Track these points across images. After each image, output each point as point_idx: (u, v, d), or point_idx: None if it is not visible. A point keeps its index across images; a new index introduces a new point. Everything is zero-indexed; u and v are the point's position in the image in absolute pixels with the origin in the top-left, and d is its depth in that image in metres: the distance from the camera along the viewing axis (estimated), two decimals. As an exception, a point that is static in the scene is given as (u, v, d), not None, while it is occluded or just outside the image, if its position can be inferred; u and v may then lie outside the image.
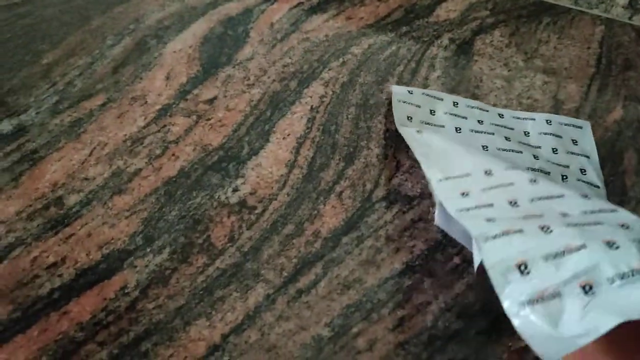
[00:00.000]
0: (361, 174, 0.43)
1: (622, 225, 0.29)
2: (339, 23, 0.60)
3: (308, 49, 0.56)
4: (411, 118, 0.46)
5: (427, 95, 0.49)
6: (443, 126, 0.45)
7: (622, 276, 0.25)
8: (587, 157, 0.44)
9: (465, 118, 0.47)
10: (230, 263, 0.37)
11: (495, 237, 0.29)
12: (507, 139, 0.44)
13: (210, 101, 0.49)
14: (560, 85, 0.53)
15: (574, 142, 0.46)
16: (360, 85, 0.52)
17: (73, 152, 0.44)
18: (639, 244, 0.26)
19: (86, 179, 0.42)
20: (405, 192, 0.42)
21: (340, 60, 0.55)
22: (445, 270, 0.37)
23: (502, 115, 0.48)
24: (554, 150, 0.44)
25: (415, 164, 0.44)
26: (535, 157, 0.43)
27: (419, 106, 0.48)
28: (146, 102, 0.48)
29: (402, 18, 0.62)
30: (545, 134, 0.46)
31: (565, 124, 0.48)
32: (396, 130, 0.46)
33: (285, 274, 0.36)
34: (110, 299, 0.34)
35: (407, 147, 0.45)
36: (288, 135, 0.46)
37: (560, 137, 0.46)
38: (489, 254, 0.29)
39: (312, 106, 0.49)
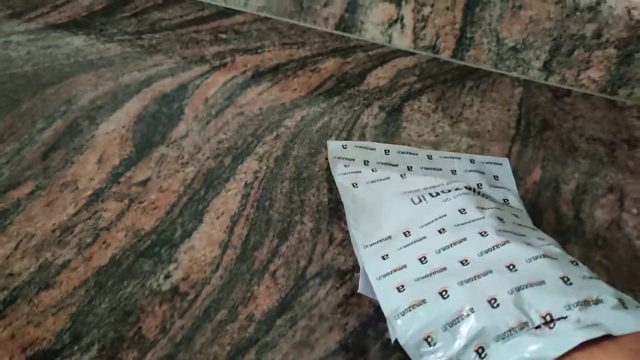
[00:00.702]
0: (295, 250, 0.44)
1: (509, 267, 0.31)
2: (272, 95, 0.62)
3: (242, 123, 0.57)
4: (346, 171, 0.49)
5: (360, 147, 0.53)
6: (374, 180, 0.48)
7: (504, 336, 0.29)
8: (508, 189, 0.48)
9: (397, 165, 0.50)
10: (162, 355, 0.36)
11: (403, 313, 0.32)
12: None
13: (144, 183, 0.49)
14: (484, 148, 0.56)
15: (495, 177, 0.50)
16: (294, 159, 0.53)
17: (-2, 246, 0.43)
18: (517, 293, 0.30)
19: (11, 274, 0.40)
20: (338, 266, 0.43)
21: (274, 133, 0.56)
22: (377, 348, 0.37)
23: (431, 156, 0.52)
24: (479, 185, 0.48)
25: (347, 237, 0.45)
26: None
27: (352, 159, 0.51)
28: (77, 188, 0.48)
29: (334, 87, 0.64)
30: (470, 171, 0.50)
31: (487, 162, 0.52)
32: (329, 203, 0.47)
33: (218, 363, 0.36)
34: (34, 406, 0.33)
35: (340, 220, 0.47)
36: (222, 214, 0.47)
37: (483, 173, 0.50)
38: (401, 331, 0.31)
39: (246, 182, 0.50)
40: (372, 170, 0.48)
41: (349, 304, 0.40)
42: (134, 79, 0.63)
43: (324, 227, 0.46)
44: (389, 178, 0.47)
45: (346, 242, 0.45)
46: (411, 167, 0.50)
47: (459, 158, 0.52)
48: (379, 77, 0.67)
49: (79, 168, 0.50)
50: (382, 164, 0.50)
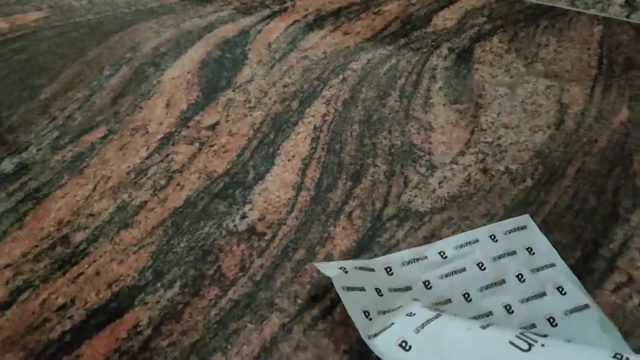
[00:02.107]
0: (369, 193, 0.43)
1: None
2: (336, 39, 0.60)
3: (307, 67, 0.55)
4: (368, 314, 0.34)
5: (361, 268, 0.37)
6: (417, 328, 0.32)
7: None
8: (553, 264, 0.38)
9: (409, 288, 0.36)
10: (243, 293, 0.36)
11: None
12: (466, 297, 0.36)
13: (212, 127, 0.48)
14: (564, 88, 0.53)
15: (530, 251, 0.39)
16: (362, 102, 0.51)
17: (77, 188, 0.43)
18: None
19: (91, 215, 0.41)
20: (415, 208, 0.41)
21: (340, 77, 0.54)
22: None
23: (443, 253, 0.38)
24: (520, 278, 0.37)
25: (424, 179, 0.43)
26: (509, 309, 0.35)
27: (363, 289, 0.35)
28: (147, 132, 0.48)
29: (399, 30, 0.61)
30: (499, 257, 0.38)
31: (509, 231, 0.40)
32: (402, 146, 0.45)
33: (299, 301, 0.35)
34: (122, 339, 0.34)
35: (414, 162, 0.45)
36: (293, 157, 0.46)
37: (514, 253, 0.39)
38: None
39: (315, 125, 0.49)
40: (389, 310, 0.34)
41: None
42: (195, 25, 0.62)
43: (398, 170, 0.44)
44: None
45: (422, 185, 0.43)
46: (428, 282, 0.37)
47: (477, 240, 0.39)
48: (445, 18, 0.64)
49: (148, 113, 0.50)
50: (392, 290, 0.36)
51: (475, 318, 0.34)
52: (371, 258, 0.38)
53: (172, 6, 0.65)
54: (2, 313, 0.35)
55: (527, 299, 0.36)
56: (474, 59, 0.57)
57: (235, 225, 0.40)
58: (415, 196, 0.42)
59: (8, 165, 0.45)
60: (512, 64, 0.56)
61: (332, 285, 0.36)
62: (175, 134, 0.48)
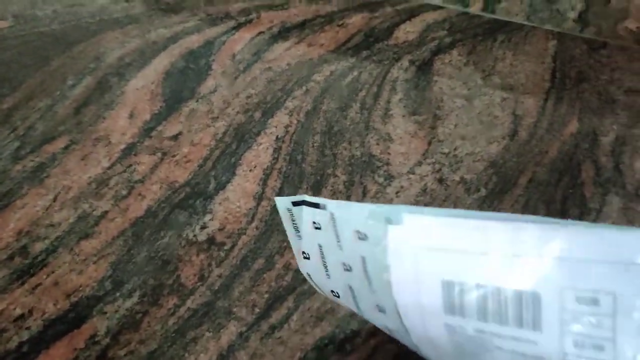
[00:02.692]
0: (329, 202, 0.44)
1: None
2: (300, 51, 0.61)
3: (271, 78, 0.56)
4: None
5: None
6: None
7: None
8: None
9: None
10: (202, 302, 0.37)
11: None
12: None
13: (175, 137, 0.49)
14: (518, 101, 0.55)
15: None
16: (324, 113, 0.52)
17: (37, 198, 0.43)
18: None
19: (51, 225, 0.41)
20: (373, 217, 0.43)
21: (304, 88, 0.55)
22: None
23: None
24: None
25: (381, 189, 0.45)
26: None
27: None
28: (110, 142, 0.48)
29: (362, 42, 0.63)
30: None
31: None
32: (362, 156, 0.46)
33: (257, 310, 0.36)
34: (80, 349, 0.34)
35: (373, 172, 0.46)
36: (255, 167, 0.46)
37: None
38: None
39: (277, 136, 0.49)
40: None
41: (385, 253, 0.40)
42: (161, 36, 0.62)
43: (357, 180, 0.46)
44: None
45: (379, 195, 0.44)
46: None
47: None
48: (407, 31, 0.65)
49: (111, 123, 0.50)
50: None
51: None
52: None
53: (138, 16, 0.65)
54: (-43, 325, 0.35)
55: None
56: (434, 71, 0.59)
57: (195, 235, 0.41)
58: (373, 205, 0.43)
59: (-33, 176, 0.45)
60: (470, 76, 0.58)
61: (289, 292, 0.37)
62: (138, 144, 0.48)
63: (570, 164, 0.47)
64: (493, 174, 0.46)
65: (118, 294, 0.37)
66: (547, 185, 0.46)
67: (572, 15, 0.66)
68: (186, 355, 0.34)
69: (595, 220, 0.42)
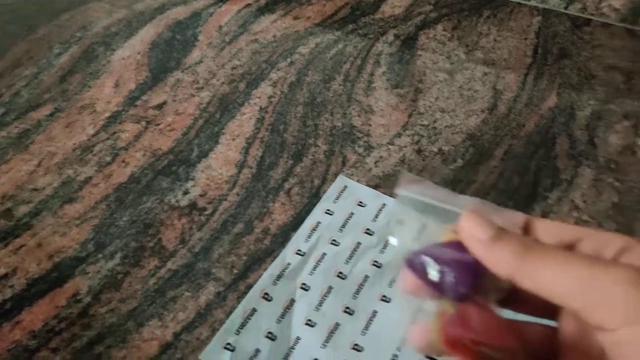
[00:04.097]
0: (309, 171, 0.45)
1: None
2: (286, 23, 0.61)
3: (256, 50, 0.57)
4: None
5: (241, 326, 0.35)
6: None
7: None
8: (384, 204, 0.42)
9: (294, 301, 0.36)
10: (182, 264, 0.38)
11: None
12: (341, 276, 0.38)
13: (160, 106, 0.50)
14: (499, 76, 0.55)
15: (362, 204, 0.42)
16: (308, 85, 0.53)
17: (21, 163, 0.44)
18: None
19: (35, 189, 0.42)
20: (351, 186, 0.44)
21: (288, 60, 0.56)
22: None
23: (300, 251, 0.39)
24: (369, 233, 0.40)
25: (360, 159, 0.46)
26: (377, 265, 0.38)
27: (258, 350, 0.34)
28: (95, 110, 0.49)
29: (348, 16, 0.63)
30: (344, 225, 0.41)
31: (337, 198, 0.42)
32: (343, 127, 0.47)
33: (235, 271, 0.37)
34: (62, 307, 0.35)
35: (353, 143, 0.47)
36: (237, 136, 0.47)
37: (352, 214, 0.41)
38: None
39: (260, 107, 0.50)
40: None
41: (361, 220, 0.41)
42: (148, 6, 0.62)
43: (338, 150, 0.47)
44: None
45: (359, 164, 0.45)
46: (304, 284, 0.37)
47: (319, 222, 0.41)
48: (394, 5, 0.66)
49: (96, 92, 0.51)
50: (279, 321, 0.35)
51: (357, 289, 0.36)
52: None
53: (125, -14, 0.66)
54: (-57, 282, 0.36)
55: (384, 248, 0.38)
56: (418, 45, 0.59)
57: (177, 201, 0.42)
58: (352, 174, 0.45)
59: (-47, 141, 0.46)
60: (454, 51, 0.59)
61: (267, 255, 0.38)
62: (123, 112, 0.49)
63: (546, 137, 0.48)
64: (470, 146, 0.48)
65: (100, 256, 0.38)
66: (522, 157, 0.47)
67: (558, -8, 0.66)
68: (165, 313, 0.35)
69: (566, 190, 0.44)
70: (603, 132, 0.49)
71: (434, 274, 0.19)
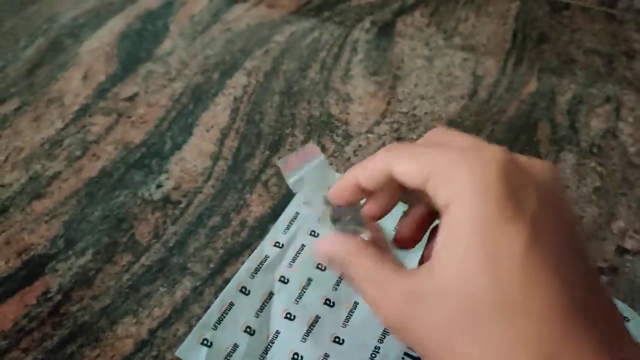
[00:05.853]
0: (287, 161, 0.44)
1: None
2: (261, 11, 0.60)
3: (230, 39, 0.56)
4: None
5: (219, 321, 0.34)
6: None
7: None
8: None
9: (272, 294, 0.36)
10: (156, 259, 0.36)
11: None
12: (320, 268, 0.37)
13: (131, 98, 0.48)
14: (479, 61, 0.55)
15: None
16: (284, 73, 0.52)
17: (-13, 159, 0.42)
18: None
19: (2, 185, 0.40)
20: (330, 175, 0.43)
21: (263, 49, 0.55)
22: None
23: (279, 243, 0.38)
24: None
25: (339, 148, 0.45)
26: None
27: (236, 345, 0.32)
28: (63, 104, 0.47)
29: (324, 3, 0.62)
30: (322, 217, 0.36)
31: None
32: (321, 116, 0.46)
33: (212, 265, 0.36)
34: (32, 305, 0.34)
35: (331, 132, 0.46)
36: (212, 127, 0.46)
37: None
38: None
39: (235, 97, 0.49)
40: None
41: (341, 209, 0.40)
42: (118, -4, 0.60)
43: (316, 140, 0.46)
44: None
45: (337, 154, 0.44)
46: (283, 277, 0.36)
47: (297, 213, 0.39)
48: (371, -7, 0.65)
49: (64, 84, 0.49)
50: (258, 314, 0.34)
51: (337, 280, 0.35)
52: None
53: (94, -23, 0.64)
54: None
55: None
56: (396, 32, 0.58)
57: (150, 194, 0.40)
58: (331, 164, 0.44)
59: None
60: (432, 37, 0.58)
61: (245, 248, 0.37)
62: (92, 105, 0.47)
63: (527, 122, 0.48)
64: (450, 132, 0.47)
65: (71, 252, 0.37)
66: (504, 143, 0.46)
67: (535, -24, 0.66)
68: (140, 309, 0.34)
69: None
70: (584, 117, 0.49)
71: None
